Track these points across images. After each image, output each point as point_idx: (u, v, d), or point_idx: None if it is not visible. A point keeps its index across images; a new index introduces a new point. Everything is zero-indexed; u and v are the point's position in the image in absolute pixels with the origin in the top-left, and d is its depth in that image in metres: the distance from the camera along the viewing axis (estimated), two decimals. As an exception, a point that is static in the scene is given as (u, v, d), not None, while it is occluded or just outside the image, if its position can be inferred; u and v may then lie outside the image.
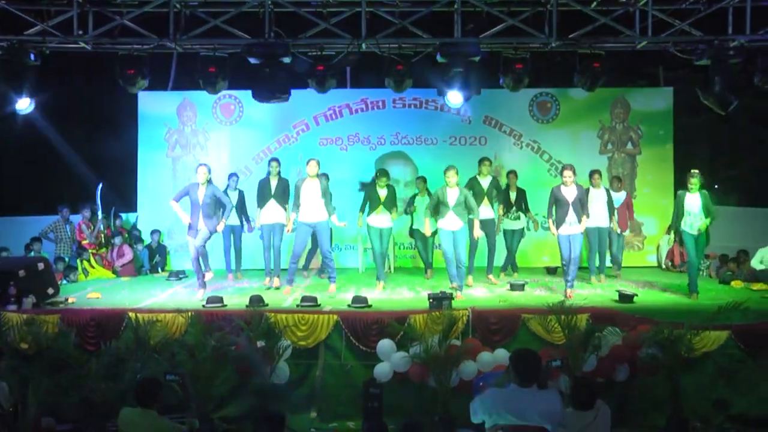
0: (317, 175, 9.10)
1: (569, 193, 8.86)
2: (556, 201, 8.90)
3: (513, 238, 10.78)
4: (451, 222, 8.89)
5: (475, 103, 10.03)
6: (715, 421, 7.46)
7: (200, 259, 8.84)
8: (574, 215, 8.82)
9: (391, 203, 9.65)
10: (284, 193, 9.83)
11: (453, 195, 8.88)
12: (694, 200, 8.75)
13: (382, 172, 9.74)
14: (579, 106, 12.16)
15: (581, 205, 8.90)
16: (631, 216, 11.18)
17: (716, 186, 9.40)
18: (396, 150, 12.25)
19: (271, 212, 9.77)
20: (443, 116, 12.11)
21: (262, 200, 9.87)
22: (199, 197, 8.73)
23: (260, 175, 11.52)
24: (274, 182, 9.85)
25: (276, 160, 10.12)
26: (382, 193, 9.62)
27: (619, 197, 10.78)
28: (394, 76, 9.40)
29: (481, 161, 10.01)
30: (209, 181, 8.89)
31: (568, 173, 8.88)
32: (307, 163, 9.15)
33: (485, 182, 9.88)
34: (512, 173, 10.91)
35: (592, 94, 10.58)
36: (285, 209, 9.76)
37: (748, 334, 7.58)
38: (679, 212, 8.83)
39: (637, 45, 9.48)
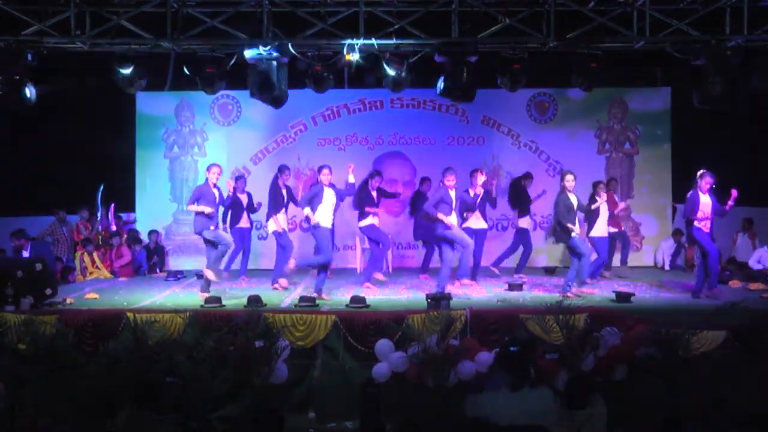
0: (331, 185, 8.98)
1: (573, 201, 8.98)
2: (567, 208, 8.93)
3: (527, 236, 10.87)
4: (453, 219, 8.93)
5: (473, 103, 10.02)
6: (713, 420, 7.47)
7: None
8: (577, 223, 8.97)
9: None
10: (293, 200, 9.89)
11: (453, 195, 8.95)
12: (706, 200, 8.77)
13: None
14: (577, 106, 12.18)
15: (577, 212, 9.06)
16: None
17: (714, 186, 9.37)
18: (394, 150, 12.25)
19: (282, 220, 9.79)
20: (441, 116, 12.12)
21: (275, 208, 9.84)
22: (216, 197, 8.80)
23: (258, 176, 11.58)
24: (284, 190, 9.87)
25: (287, 167, 10.12)
26: None
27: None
28: (392, 76, 9.39)
29: (472, 173, 10.10)
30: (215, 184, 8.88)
31: (569, 178, 8.97)
32: (322, 170, 8.91)
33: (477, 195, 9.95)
34: (529, 176, 11.07)
35: (590, 94, 10.61)
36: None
37: (746, 333, 7.58)
38: (693, 211, 8.75)
39: (634, 45, 9.49)
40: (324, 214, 8.85)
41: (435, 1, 9.20)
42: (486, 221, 10.32)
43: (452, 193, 8.95)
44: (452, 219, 8.91)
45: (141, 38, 9.20)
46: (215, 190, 8.82)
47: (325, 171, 8.89)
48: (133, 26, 9.19)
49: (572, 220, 8.91)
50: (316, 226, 8.82)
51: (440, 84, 9.20)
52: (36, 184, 12.31)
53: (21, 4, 9.01)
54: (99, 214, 11.66)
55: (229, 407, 7.65)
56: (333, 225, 9.20)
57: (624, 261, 10.92)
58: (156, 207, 12.20)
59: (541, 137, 12.21)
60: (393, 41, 9.27)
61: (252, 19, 9.26)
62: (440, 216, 8.84)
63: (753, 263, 10.07)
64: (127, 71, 9.15)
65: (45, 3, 9.10)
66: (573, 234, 8.91)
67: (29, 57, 9.02)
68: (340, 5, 9.27)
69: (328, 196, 8.87)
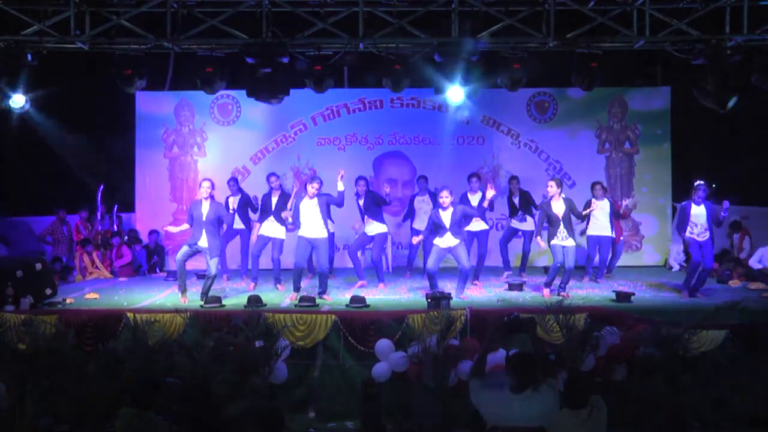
0: (316, 195, 8.95)
1: (558, 208, 8.95)
2: (548, 217, 8.97)
3: (524, 240, 10.78)
4: (448, 241, 8.79)
5: (473, 102, 10.02)
6: (713, 420, 7.47)
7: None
8: (566, 230, 8.93)
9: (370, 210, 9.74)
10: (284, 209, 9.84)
11: (447, 216, 8.78)
12: (700, 211, 8.81)
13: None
14: (577, 105, 12.16)
15: (571, 220, 9.02)
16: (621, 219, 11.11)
17: (714, 185, 9.40)
18: (394, 150, 12.25)
19: (270, 228, 9.79)
20: (441, 116, 12.08)
21: (262, 215, 9.91)
22: (203, 213, 8.64)
23: (258, 176, 11.56)
24: (275, 198, 9.83)
25: (275, 174, 10.12)
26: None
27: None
28: (392, 75, 9.39)
29: (470, 177, 10.16)
30: (212, 197, 8.74)
31: (550, 184, 9.05)
32: (309, 183, 8.97)
33: (475, 199, 9.94)
34: (514, 179, 10.88)
35: (590, 94, 10.59)
36: (284, 226, 9.83)
37: (746, 333, 7.58)
38: (682, 222, 8.88)
39: (634, 44, 9.49)
40: (308, 226, 8.90)
41: (435, 0, 9.20)
42: (486, 222, 10.30)
43: (445, 214, 8.76)
44: (446, 240, 8.79)
45: (141, 38, 9.20)
46: (206, 202, 8.66)
47: (314, 185, 8.92)
48: (133, 26, 9.19)
49: (552, 230, 8.90)
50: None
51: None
52: (36, 184, 12.30)
53: (21, 4, 9.01)
54: (99, 214, 11.65)
55: (229, 407, 7.65)
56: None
57: (610, 269, 10.84)
58: (156, 207, 12.19)
59: (541, 137, 12.19)
60: (393, 41, 9.29)
61: (252, 19, 9.26)
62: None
63: (753, 263, 10.07)
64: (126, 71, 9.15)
65: (45, 3, 9.10)
66: (548, 242, 9.00)
67: (29, 57, 9.02)
68: (339, 5, 9.27)
69: (309, 208, 8.88)
